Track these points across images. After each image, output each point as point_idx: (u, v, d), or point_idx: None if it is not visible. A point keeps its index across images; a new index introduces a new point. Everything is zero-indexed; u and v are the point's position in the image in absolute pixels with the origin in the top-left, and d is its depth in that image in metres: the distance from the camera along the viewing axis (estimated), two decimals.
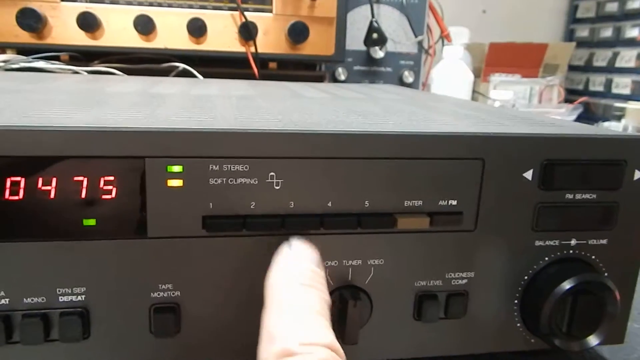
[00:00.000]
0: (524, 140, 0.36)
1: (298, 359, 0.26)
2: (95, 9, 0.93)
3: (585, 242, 0.39)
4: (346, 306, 0.35)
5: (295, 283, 0.30)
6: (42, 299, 0.34)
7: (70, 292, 0.34)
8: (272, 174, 0.34)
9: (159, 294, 0.35)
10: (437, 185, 0.36)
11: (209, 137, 0.33)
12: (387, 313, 0.38)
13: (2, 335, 0.33)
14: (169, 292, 0.35)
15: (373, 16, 1.18)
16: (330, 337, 0.28)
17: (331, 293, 0.36)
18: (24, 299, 0.33)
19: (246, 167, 0.34)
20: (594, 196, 0.38)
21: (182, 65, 0.98)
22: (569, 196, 0.38)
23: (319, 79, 1.12)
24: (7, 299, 0.33)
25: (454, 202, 0.37)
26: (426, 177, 0.36)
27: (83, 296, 0.34)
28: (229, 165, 0.33)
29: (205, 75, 0.98)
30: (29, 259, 0.33)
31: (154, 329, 0.35)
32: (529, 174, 0.37)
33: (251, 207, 0.34)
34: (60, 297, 0.34)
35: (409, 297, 0.38)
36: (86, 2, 0.93)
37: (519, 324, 0.40)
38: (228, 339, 0.36)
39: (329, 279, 0.36)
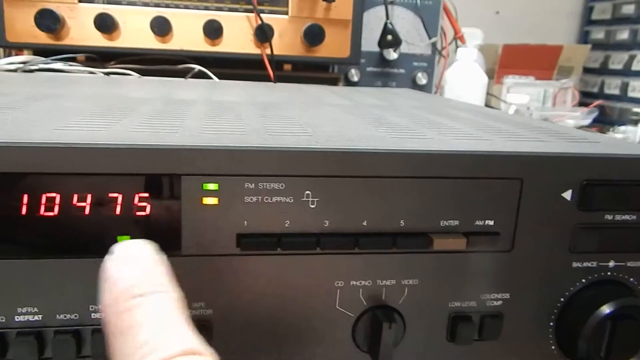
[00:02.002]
0: (563, 160, 0.36)
1: None
2: (112, 10, 0.93)
3: (624, 264, 0.39)
4: (380, 328, 0.35)
5: (129, 297, 0.25)
6: (75, 316, 0.33)
7: None
8: (307, 192, 0.34)
9: (191, 312, 0.34)
10: (474, 205, 0.36)
11: (245, 155, 0.32)
12: (420, 334, 0.38)
13: (34, 351, 0.33)
14: (201, 310, 0.35)
15: (388, 18, 1.17)
16: (187, 339, 0.24)
17: (364, 313, 0.36)
18: (57, 316, 0.33)
19: (282, 185, 0.33)
20: (634, 217, 0.38)
21: (197, 67, 0.98)
22: (608, 217, 0.37)
23: (333, 81, 1.11)
24: (40, 315, 0.33)
25: (491, 222, 0.36)
26: (463, 196, 0.35)
27: None
28: (264, 184, 0.33)
29: (220, 77, 0.97)
30: (63, 275, 0.33)
31: None
32: (568, 194, 0.36)
33: (286, 225, 0.34)
34: (92, 314, 0.33)
35: (443, 318, 0.38)
36: (104, 3, 0.93)
37: (553, 347, 0.39)
38: (260, 359, 0.36)
39: (362, 299, 0.36)
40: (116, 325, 0.25)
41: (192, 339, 0.24)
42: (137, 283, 0.26)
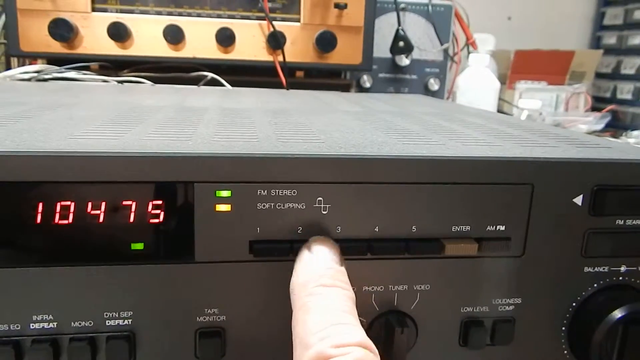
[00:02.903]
0: (574, 166, 0.36)
1: None
2: (125, 19, 0.94)
3: (635, 268, 0.39)
4: (393, 333, 0.35)
5: (317, 285, 0.30)
6: (90, 323, 0.34)
7: (117, 316, 0.34)
8: (319, 198, 0.34)
9: (204, 319, 0.35)
10: (486, 210, 0.36)
11: (258, 163, 0.33)
12: (432, 339, 0.38)
13: (50, 358, 0.33)
14: (214, 317, 0.35)
15: (399, 24, 1.17)
16: (361, 334, 0.27)
17: (376, 318, 0.36)
18: (72, 323, 0.33)
19: (294, 192, 0.33)
20: None
21: (210, 75, 0.98)
22: (620, 222, 0.37)
23: (346, 87, 1.11)
24: (55, 323, 0.33)
25: (502, 228, 0.36)
26: (474, 202, 0.35)
27: (130, 320, 0.34)
28: (277, 190, 0.33)
29: (233, 84, 0.98)
30: (77, 282, 0.33)
31: (199, 353, 0.35)
32: (579, 200, 0.36)
33: (298, 232, 0.34)
34: (107, 321, 0.34)
35: (455, 323, 0.38)
36: (117, 12, 0.94)
37: (565, 352, 0.39)
38: None
39: (374, 304, 0.36)
40: (303, 303, 0.30)
41: (364, 335, 0.27)
42: (325, 274, 0.31)
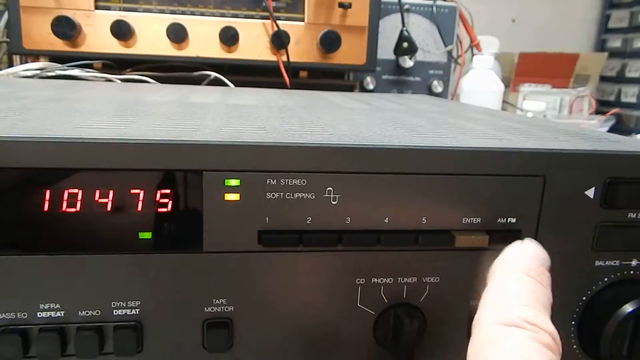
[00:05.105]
0: (587, 158, 0.36)
1: (523, 332, 0.26)
2: (128, 17, 0.94)
3: None
4: (402, 325, 0.35)
5: (523, 273, 0.30)
6: (97, 312, 0.33)
7: (124, 305, 0.34)
8: (329, 188, 0.34)
9: (212, 309, 0.35)
10: (497, 202, 0.35)
11: (267, 151, 0.32)
12: (441, 332, 0.37)
13: (57, 347, 0.33)
14: (222, 307, 0.35)
15: (404, 25, 1.17)
16: (553, 328, 0.27)
17: (385, 311, 0.36)
18: (79, 312, 0.33)
19: (303, 182, 0.33)
20: None
21: (213, 74, 0.98)
22: (632, 215, 0.37)
23: (349, 88, 1.11)
24: (63, 312, 0.33)
25: (513, 220, 0.36)
26: (485, 193, 0.35)
27: (137, 310, 0.34)
28: (286, 180, 0.33)
29: (236, 84, 0.97)
30: (85, 271, 0.33)
31: (207, 344, 0.35)
32: (590, 192, 0.36)
33: (307, 222, 0.34)
34: (114, 311, 0.34)
35: (464, 315, 0.37)
36: (120, 10, 0.94)
37: (575, 346, 0.39)
38: (280, 356, 0.36)
39: (383, 296, 0.36)
40: (504, 283, 0.29)
41: (555, 331, 0.27)
42: (533, 268, 0.30)
